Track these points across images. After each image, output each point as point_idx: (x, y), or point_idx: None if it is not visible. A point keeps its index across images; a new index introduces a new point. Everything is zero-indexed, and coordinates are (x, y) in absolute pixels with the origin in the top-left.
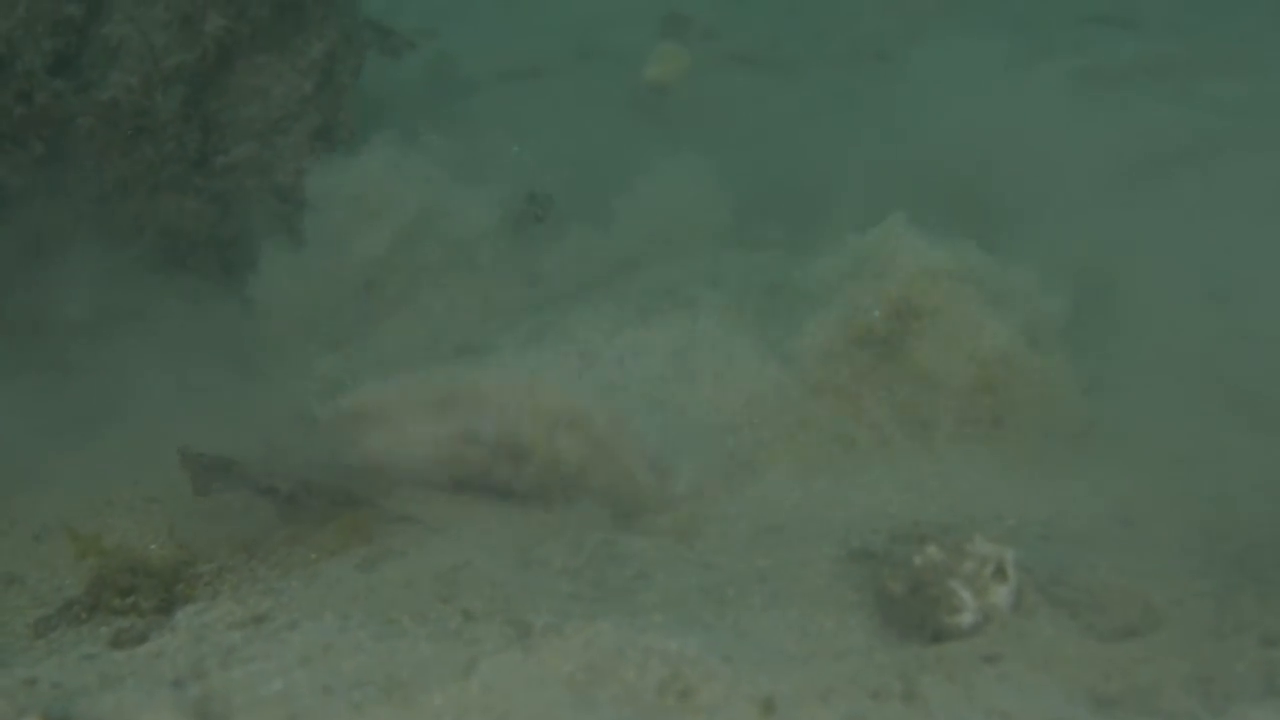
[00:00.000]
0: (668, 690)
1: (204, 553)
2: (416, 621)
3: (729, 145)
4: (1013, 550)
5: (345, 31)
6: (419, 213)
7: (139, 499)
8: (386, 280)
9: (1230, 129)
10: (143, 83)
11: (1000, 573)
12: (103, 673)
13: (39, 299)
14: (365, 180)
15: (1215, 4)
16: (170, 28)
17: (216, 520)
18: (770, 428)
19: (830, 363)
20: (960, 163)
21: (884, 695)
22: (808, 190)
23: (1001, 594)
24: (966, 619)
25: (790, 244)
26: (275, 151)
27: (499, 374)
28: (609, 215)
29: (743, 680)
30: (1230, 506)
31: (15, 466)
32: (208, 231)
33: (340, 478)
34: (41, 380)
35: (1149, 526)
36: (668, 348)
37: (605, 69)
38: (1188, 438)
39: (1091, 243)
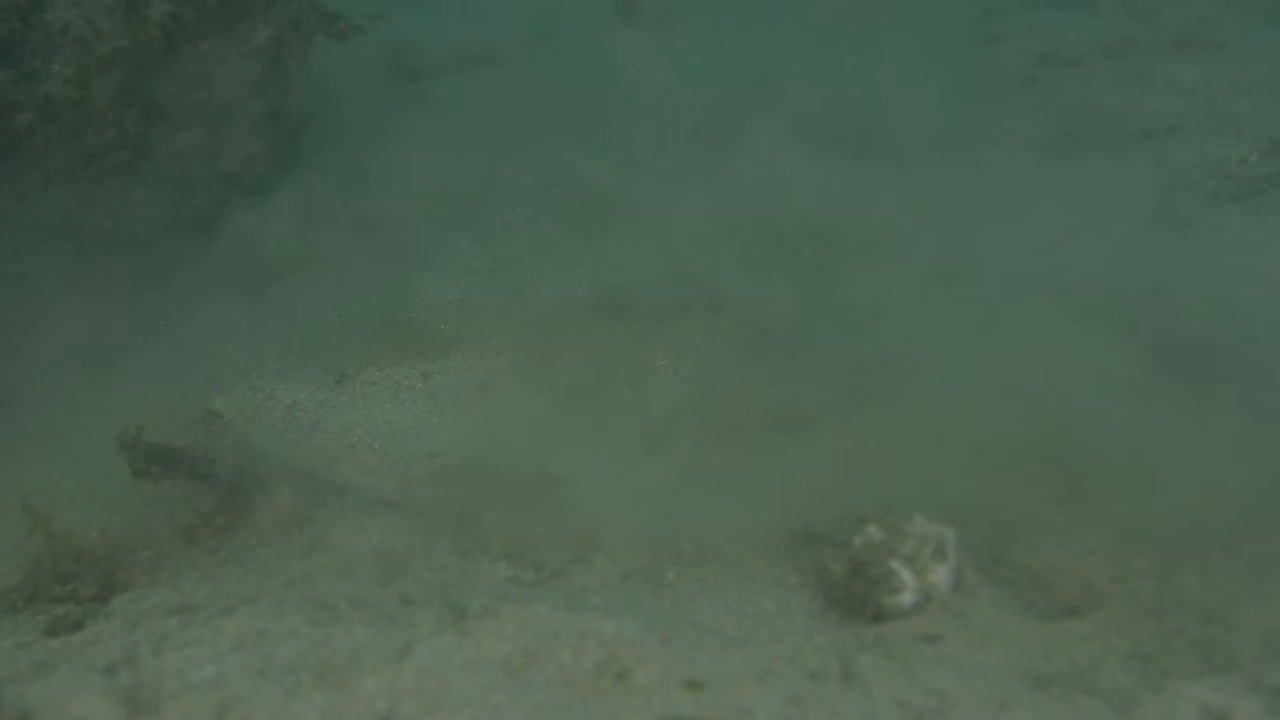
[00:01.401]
0: (604, 672)
1: (143, 539)
2: (353, 606)
3: None
4: (953, 530)
5: (292, 16)
6: None
7: (80, 485)
8: None
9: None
10: (78, 72)
11: (940, 552)
12: (37, 660)
13: None
14: None
15: None
16: (115, 13)
17: (155, 506)
18: None
19: None
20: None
21: (822, 676)
22: None
23: (941, 573)
24: (907, 599)
25: None
26: (222, 138)
27: None
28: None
29: (679, 662)
30: None
31: None
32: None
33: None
34: None
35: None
36: None
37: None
38: None
39: None
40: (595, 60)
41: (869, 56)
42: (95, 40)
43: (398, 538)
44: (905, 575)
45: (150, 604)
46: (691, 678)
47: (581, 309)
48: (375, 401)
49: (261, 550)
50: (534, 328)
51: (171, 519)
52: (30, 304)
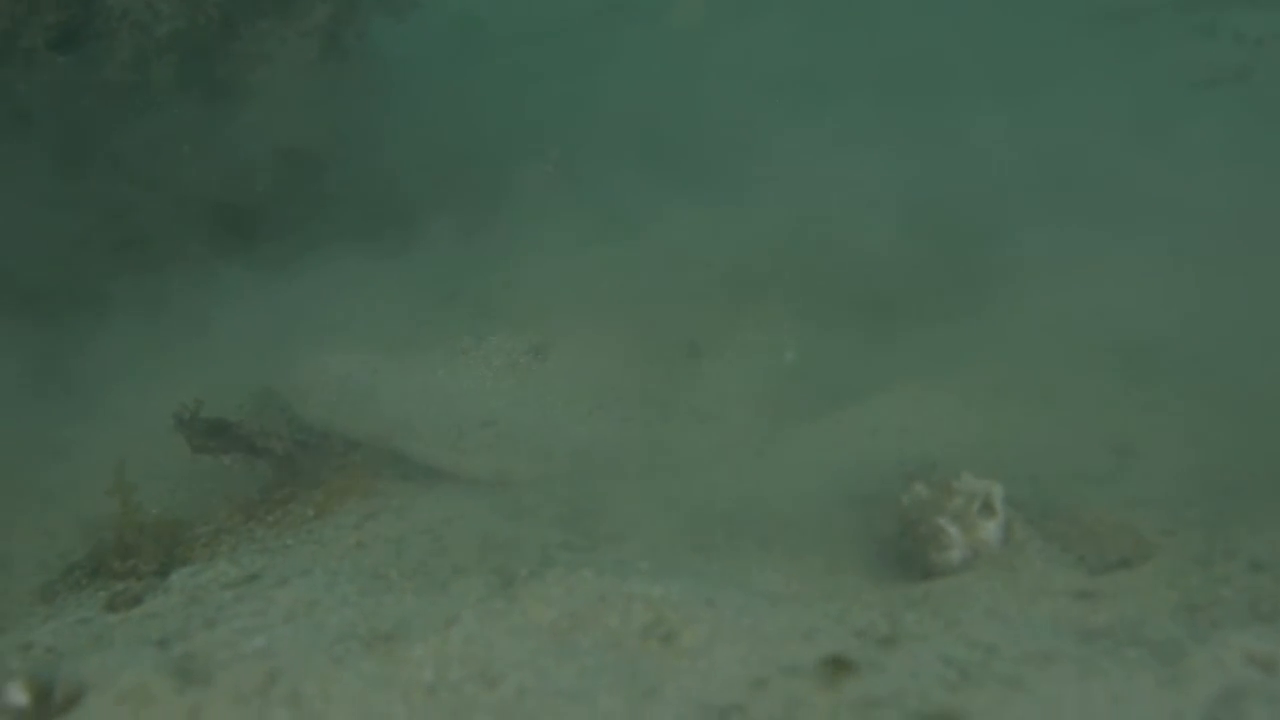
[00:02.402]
0: (651, 634)
1: (202, 515)
2: (405, 575)
3: None
4: (1000, 485)
5: None
6: None
7: (140, 462)
8: None
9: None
10: (137, 56)
11: (988, 508)
12: (95, 635)
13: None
14: None
15: None
16: None
17: (214, 482)
18: None
19: None
20: None
21: (868, 633)
22: None
23: (990, 529)
24: (955, 555)
25: None
26: (281, 116)
27: None
28: None
29: (725, 623)
30: None
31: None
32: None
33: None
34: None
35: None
36: None
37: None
38: None
39: None
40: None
41: None
42: (153, 23)
43: (450, 508)
44: (953, 532)
45: (208, 578)
46: (737, 638)
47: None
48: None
49: (317, 522)
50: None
51: (229, 494)
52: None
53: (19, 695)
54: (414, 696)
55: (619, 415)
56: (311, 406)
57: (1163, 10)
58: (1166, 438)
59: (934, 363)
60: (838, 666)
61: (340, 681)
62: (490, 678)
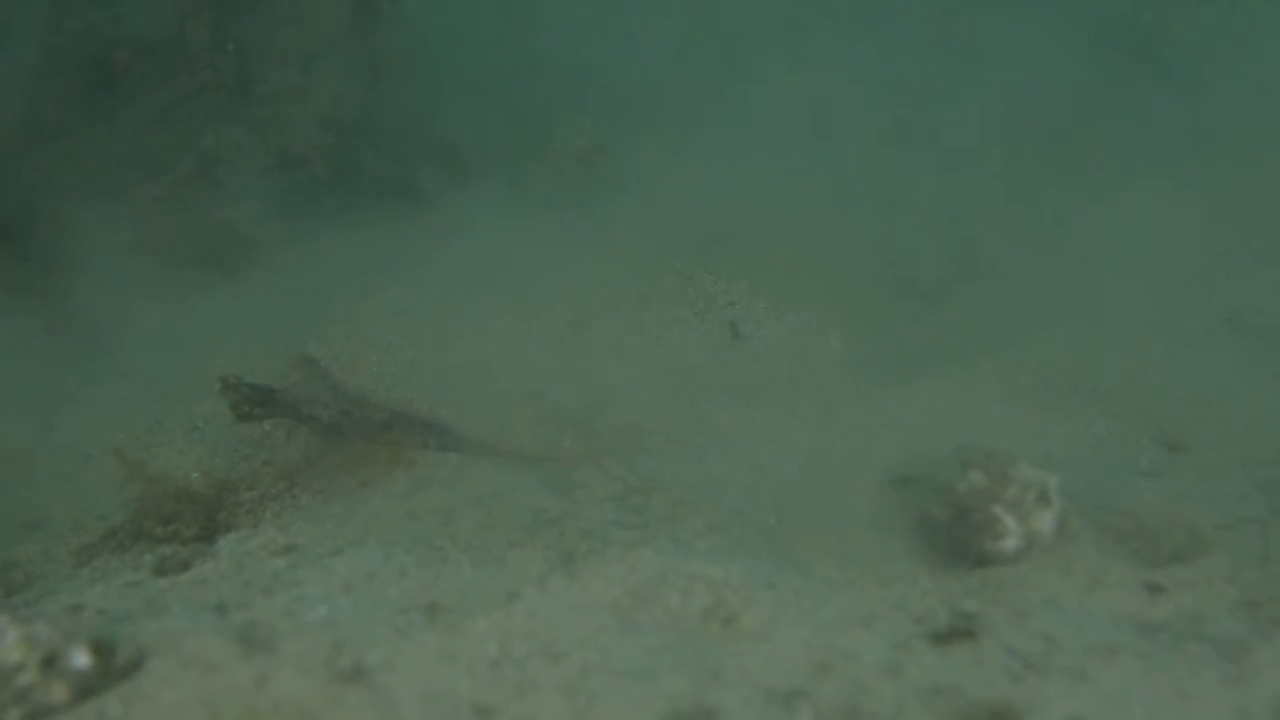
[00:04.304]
0: (712, 616)
1: (246, 480)
2: (459, 548)
3: None
4: (1056, 476)
5: None
6: None
7: (181, 426)
8: None
9: None
10: (173, 11)
11: (1044, 498)
12: (147, 599)
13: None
14: None
15: None
16: None
17: (252, 447)
18: None
19: None
20: None
21: (929, 620)
22: None
23: (1045, 519)
24: (1010, 544)
25: None
26: (314, 79)
27: None
28: None
29: (785, 607)
30: None
31: (58, 393)
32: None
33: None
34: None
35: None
36: None
37: None
38: None
39: None
40: None
41: None
42: None
43: (500, 481)
44: (1009, 521)
45: (256, 544)
46: (797, 621)
47: None
48: None
49: (364, 492)
50: None
51: (272, 460)
52: None
53: (83, 657)
54: (478, 670)
55: (664, 393)
56: (356, 375)
57: None
58: (1218, 432)
59: (981, 350)
60: (901, 652)
61: (404, 653)
62: (554, 654)
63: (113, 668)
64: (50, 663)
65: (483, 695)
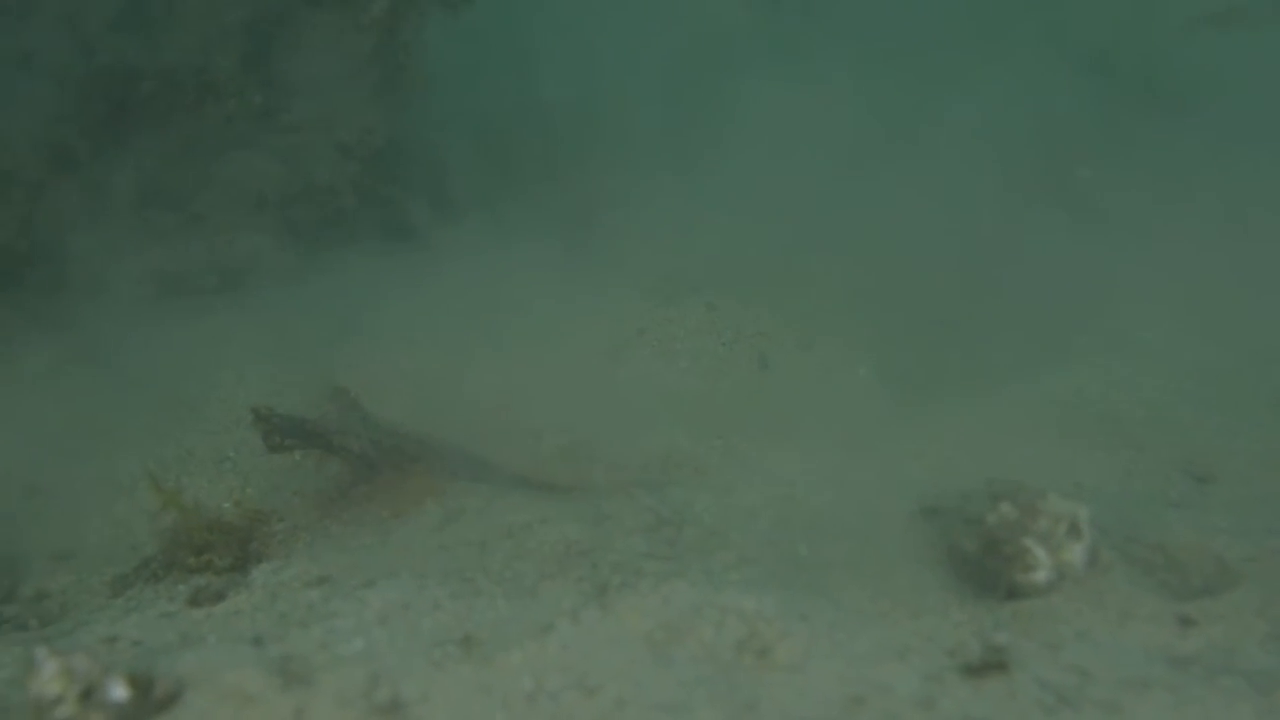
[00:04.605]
0: (746, 648)
1: (277, 510)
2: (492, 580)
3: None
4: (1086, 507)
5: None
6: None
7: (212, 456)
8: None
9: None
10: (201, 42)
11: (1075, 530)
12: (182, 631)
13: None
14: None
15: None
16: None
17: (283, 477)
18: None
19: None
20: None
21: (961, 653)
22: None
23: (1076, 552)
24: (1041, 576)
25: None
26: (338, 109)
27: None
28: None
29: (819, 639)
30: None
31: (87, 423)
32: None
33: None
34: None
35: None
36: None
37: None
38: None
39: None
40: None
41: None
42: (216, 10)
43: (531, 512)
44: (1040, 553)
45: (289, 575)
46: (831, 654)
47: None
48: None
49: (395, 523)
50: None
51: (303, 491)
52: None
53: (120, 690)
54: (514, 704)
55: (693, 425)
56: (385, 406)
57: None
58: (1246, 464)
59: (1008, 381)
60: (935, 684)
61: (440, 686)
62: (588, 687)
63: (150, 700)
64: (88, 695)
65: None
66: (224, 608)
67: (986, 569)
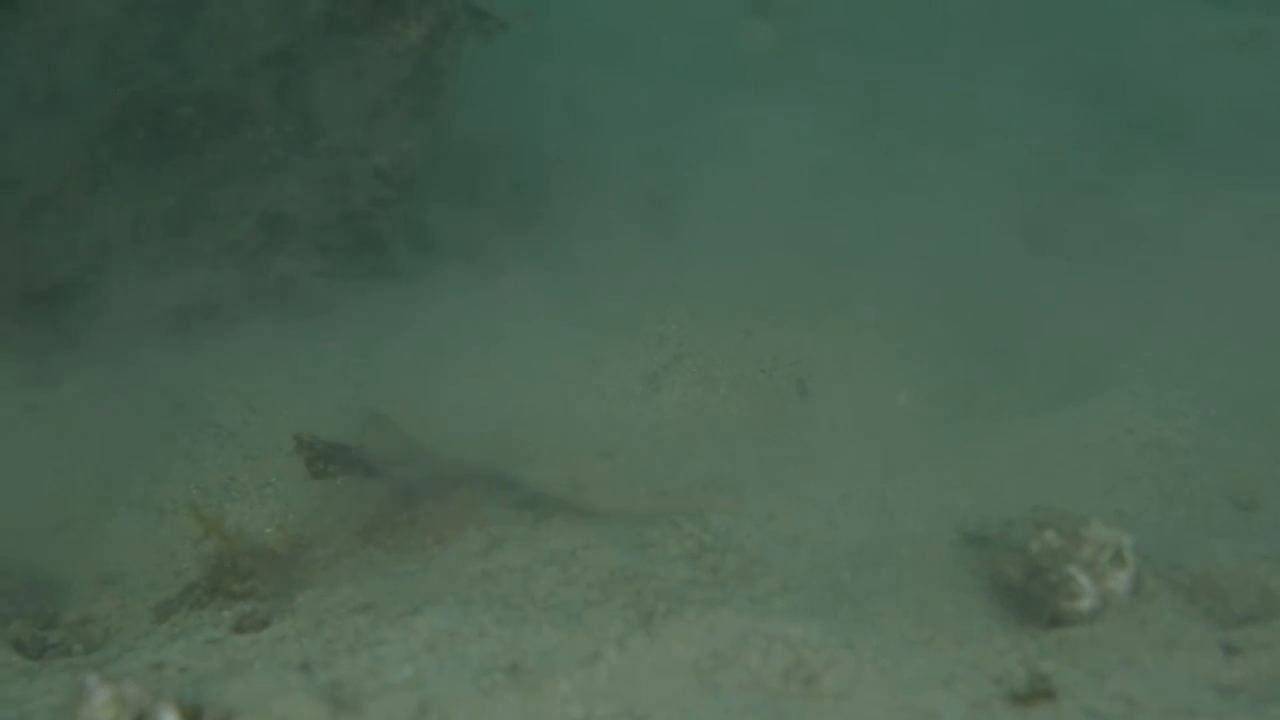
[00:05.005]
0: (792, 676)
1: (319, 537)
2: (538, 607)
3: None
4: (1130, 535)
5: (444, 14)
6: None
7: (254, 482)
8: None
9: None
10: (238, 69)
11: (1119, 558)
12: (228, 657)
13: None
14: None
15: None
16: (272, 10)
17: (323, 503)
18: None
19: None
20: None
21: (1007, 681)
22: None
23: (1120, 579)
24: (1085, 604)
25: None
26: (375, 134)
27: None
28: None
29: (865, 666)
30: None
31: (128, 449)
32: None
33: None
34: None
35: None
36: None
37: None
38: None
39: None
40: None
41: None
42: (253, 37)
43: (574, 538)
44: (1083, 580)
45: (334, 601)
46: (877, 682)
47: None
48: None
49: (438, 549)
50: None
51: (346, 517)
52: None
53: (170, 716)
54: None
55: (734, 450)
56: (423, 431)
57: None
58: None
59: (1048, 408)
60: (981, 712)
61: (489, 714)
62: (637, 715)
63: None
64: None
65: None
66: (269, 634)
67: (1030, 596)
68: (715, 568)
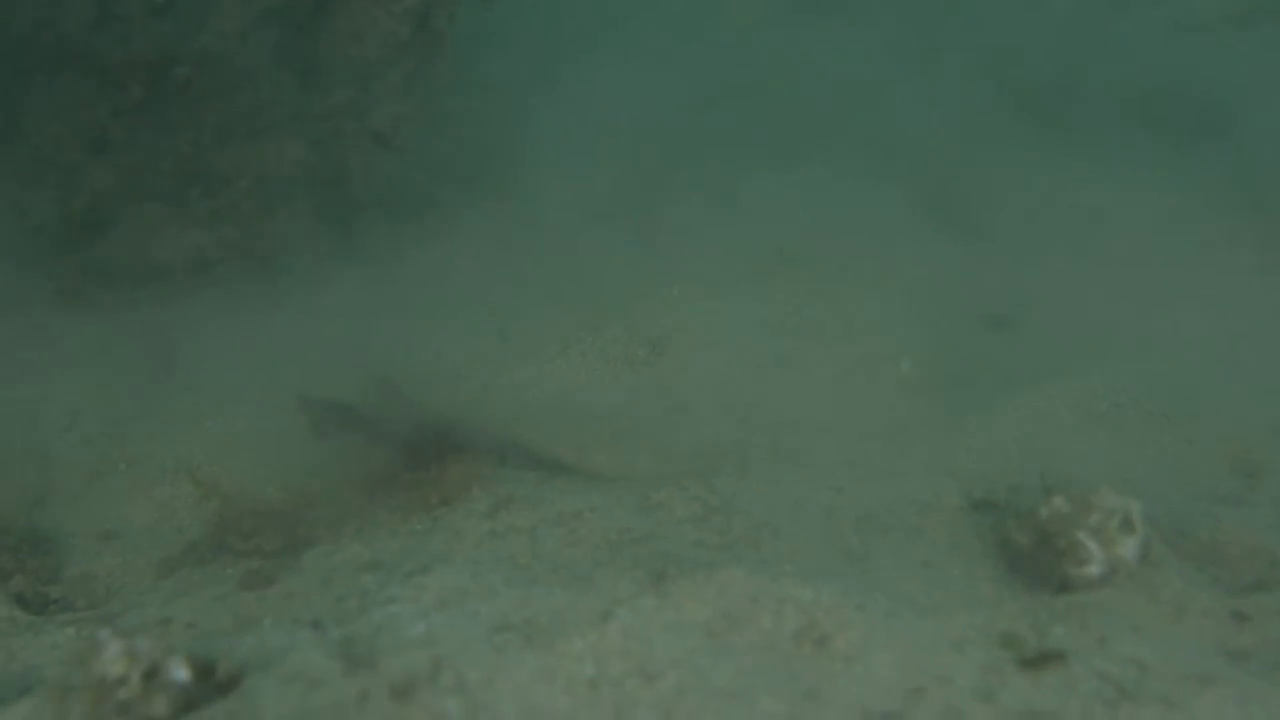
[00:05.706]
0: (804, 638)
1: (324, 496)
2: (546, 567)
3: None
4: (1139, 502)
5: None
6: None
7: (257, 441)
8: None
9: None
10: (237, 28)
11: (1127, 524)
12: (236, 614)
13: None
14: None
15: None
16: None
17: (328, 463)
18: None
19: None
20: None
21: (1017, 645)
22: None
23: (1129, 546)
24: (1094, 570)
25: None
26: (372, 97)
27: None
28: None
29: (876, 629)
30: None
31: (129, 406)
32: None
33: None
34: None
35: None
36: None
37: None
38: None
39: None
40: None
41: None
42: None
43: (580, 500)
44: (1092, 547)
45: (341, 560)
46: (889, 644)
47: None
48: None
49: (444, 509)
50: None
51: (350, 476)
52: None
53: (182, 671)
54: (576, 690)
55: (739, 414)
56: (426, 393)
57: None
58: None
59: (1053, 376)
60: (993, 676)
61: (504, 672)
62: (649, 674)
63: (212, 683)
64: (151, 676)
65: (582, 714)
66: (276, 591)
67: (1039, 562)
68: (722, 530)
